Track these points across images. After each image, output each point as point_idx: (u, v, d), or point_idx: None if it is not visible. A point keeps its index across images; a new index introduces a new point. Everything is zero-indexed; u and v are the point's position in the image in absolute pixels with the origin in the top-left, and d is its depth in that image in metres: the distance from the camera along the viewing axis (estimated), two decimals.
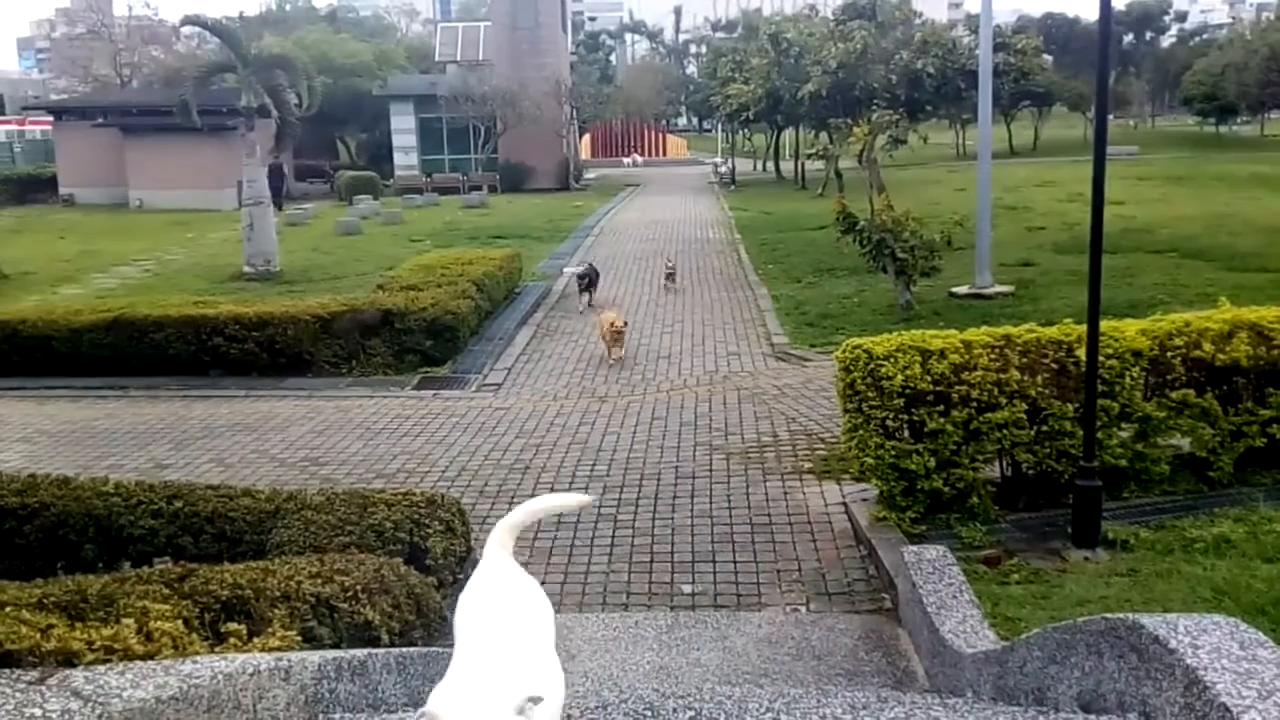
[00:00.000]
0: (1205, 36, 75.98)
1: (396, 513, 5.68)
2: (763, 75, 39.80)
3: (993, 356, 7.51)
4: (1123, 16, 65.20)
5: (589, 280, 18.42)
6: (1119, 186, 27.31)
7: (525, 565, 7.62)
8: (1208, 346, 7.72)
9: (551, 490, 9.31)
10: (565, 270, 22.93)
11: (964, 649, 4.94)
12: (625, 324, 14.48)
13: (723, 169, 50.94)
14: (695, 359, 14.52)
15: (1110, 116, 7.40)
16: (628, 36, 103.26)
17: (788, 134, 50.80)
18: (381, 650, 3.92)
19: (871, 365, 7.42)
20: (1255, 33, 61.19)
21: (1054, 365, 7.58)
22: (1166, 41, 76.23)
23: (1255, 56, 53.44)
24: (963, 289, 17.10)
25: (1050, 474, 7.64)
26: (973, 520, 7.50)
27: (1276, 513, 7.21)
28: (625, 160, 65.51)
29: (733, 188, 45.48)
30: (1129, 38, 69.15)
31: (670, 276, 20.30)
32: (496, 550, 2.93)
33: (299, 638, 3.75)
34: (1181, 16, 78.41)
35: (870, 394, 7.42)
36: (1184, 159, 45.54)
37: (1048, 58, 51.77)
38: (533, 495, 9.16)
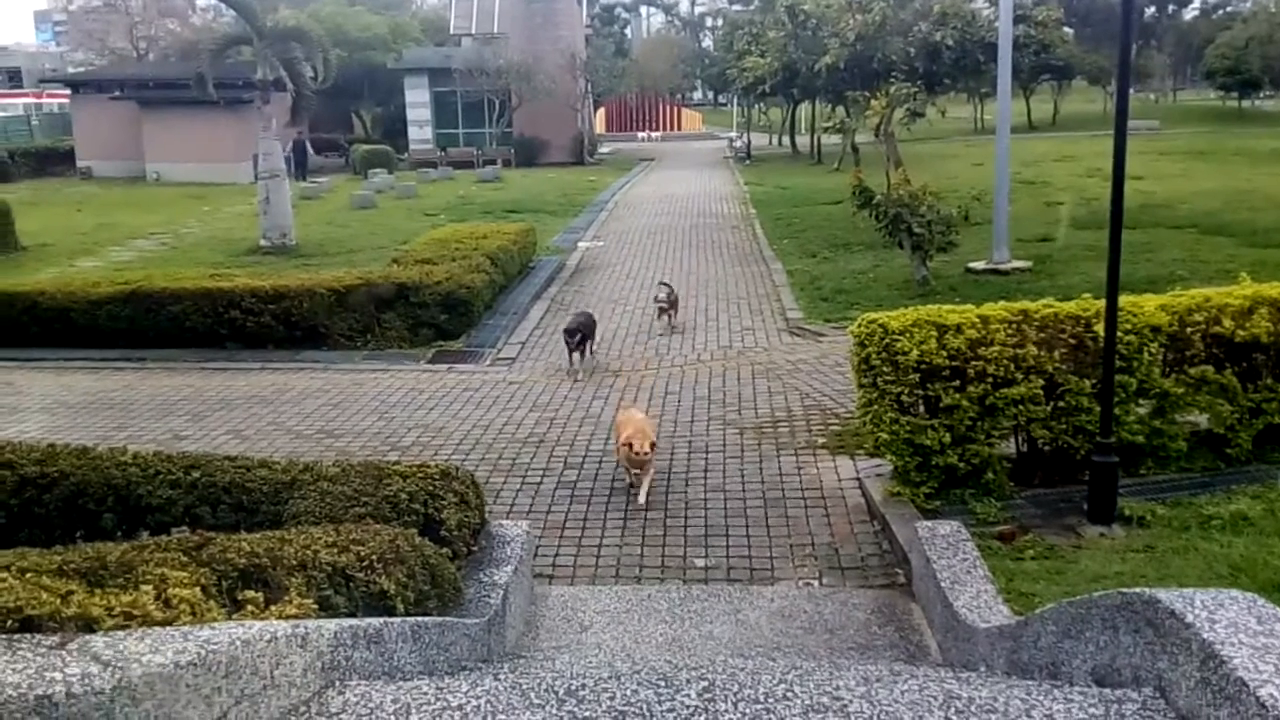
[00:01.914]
0: (1229, 9, 75.01)
1: (411, 484, 5.69)
2: (779, 48, 39.47)
3: (1010, 332, 7.47)
4: None
5: (581, 335, 12.63)
6: (1139, 161, 27.09)
7: (539, 540, 7.68)
8: (1227, 322, 7.67)
9: (564, 464, 9.34)
10: (580, 245, 22.93)
11: (978, 624, 4.94)
12: (654, 444, 8.37)
13: (738, 143, 50.71)
14: (709, 334, 14.49)
15: (1131, 90, 7.31)
16: (643, 9, 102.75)
17: (804, 108, 50.44)
18: (397, 619, 3.94)
19: (887, 340, 7.40)
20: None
21: (1071, 340, 7.54)
22: (1189, 14, 75.44)
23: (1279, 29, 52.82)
24: (980, 265, 17.00)
25: (1066, 450, 7.61)
26: (987, 496, 7.49)
27: None
28: (639, 135, 65.26)
29: (748, 162, 45.28)
30: (1151, 10, 68.44)
31: (665, 311, 14.66)
32: None
33: (315, 606, 3.77)
34: None
35: (885, 369, 7.39)
36: (1205, 134, 45.13)
37: (1068, 30, 51.16)
38: (546, 469, 9.22)
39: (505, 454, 9.72)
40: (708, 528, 7.87)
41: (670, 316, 14.59)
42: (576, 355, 12.67)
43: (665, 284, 14.88)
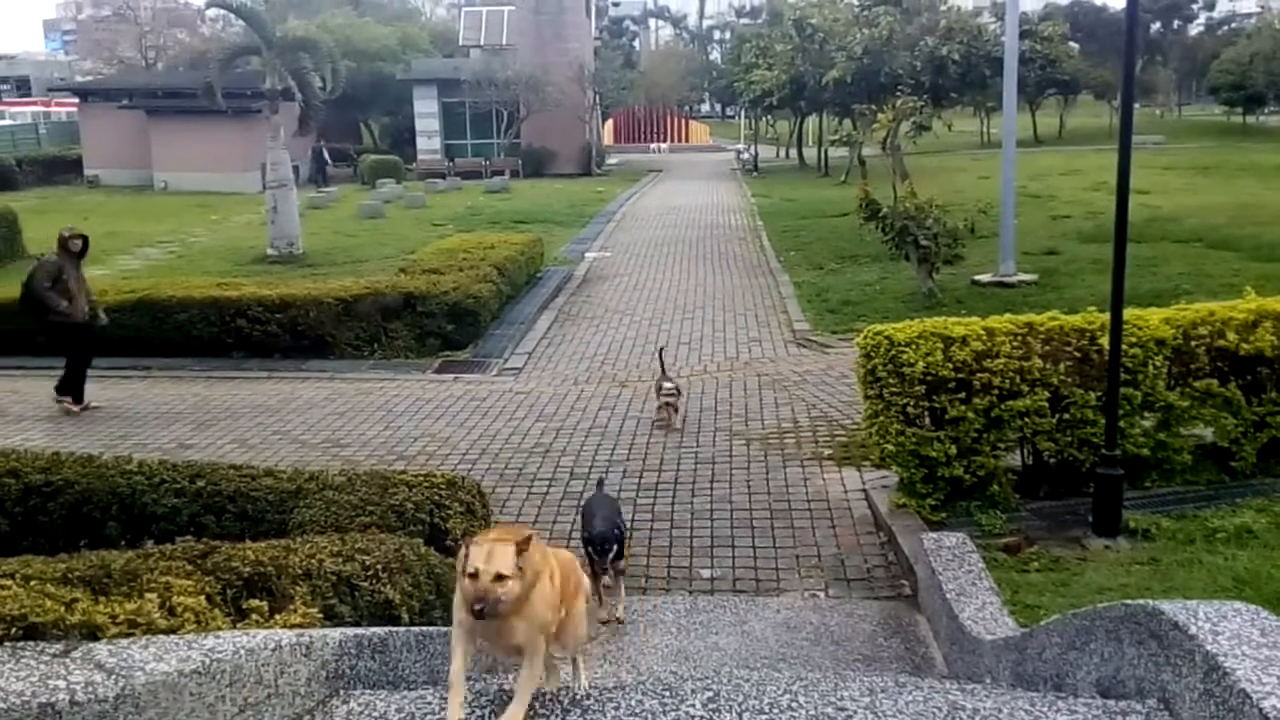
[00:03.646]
0: (1233, 25, 75.03)
1: (417, 494, 5.71)
2: (787, 61, 39.63)
3: (1015, 344, 7.48)
4: (1150, 4, 64.39)
5: (618, 547, 6.72)
6: (1144, 175, 27.04)
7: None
8: (1232, 336, 7.66)
9: (570, 474, 9.34)
10: (587, 255, 22.95)
11: (983, 635, 4.94)
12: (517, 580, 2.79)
13: (745, 155, 50.76)
14: (716, 345, 14.50)
15: (1136, 105, 7.34)
16: (651, 22, 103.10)
17: (811, 120, 50.56)
18: (402, 629, 3.95)
19: (893, 352, 7.40)
20: None
21: (1077, 353, 7.54)
22: (1194, 30, 75.38)
23: None
24: (986, 277, 17.00)
25: (1072, 462, 7.61)
26: (993, 508, 7.48)
27: None
28: (652, 147, 65.41)
29: (755, 174, 45.33)
30: (1156, 26, 68.35)
31: (667, 405, 10.70)
32: None
33: (320, 615, 3.78)
34: (1210, 5, 77.46)
35: (891, 380, 7.40)
36: (1210, 148, 45.05)
37: (1074, 45, 51.24)
38: (552, 479, 9.22)
39: (511, 464, 9.72)
40: (714, 538, 7.86)
41: (672, 414, 10.74)
42: (607, 579, 6.64)
43: (669, 381, 10.88)
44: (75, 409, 11.90)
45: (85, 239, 12.26)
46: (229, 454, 9.97)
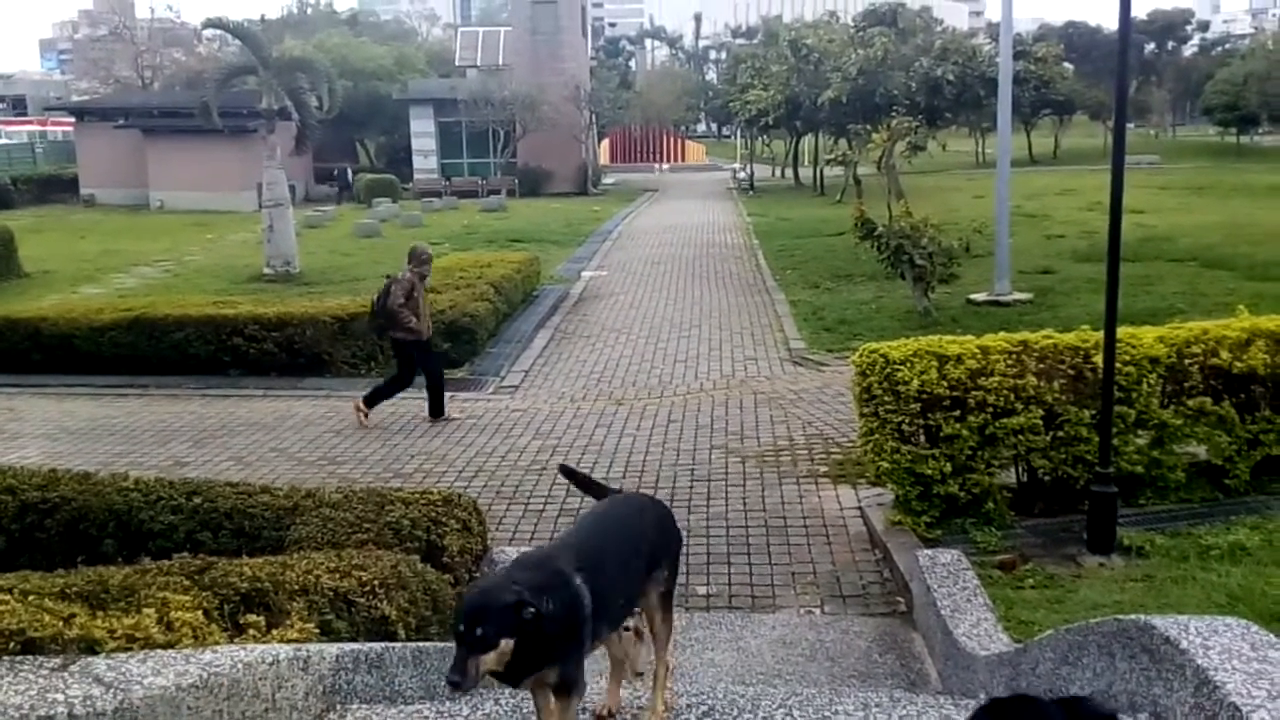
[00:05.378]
0: (1227, 46, 75.68)
1: (414, 511, 5.71)
2: (782, 81, 39.88)
3: (1010, 362, 7.51)
4: (1145, 25, 64.94)
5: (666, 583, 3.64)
6: (1139, 195, 27.20)
7: None
8: (1225, 354, 7.70)
9: (566, 491, 9.34)
10: (584, 274, 23.00)
11: (977, 651, 4.95)
12: None
13: (741, 175, 50.96)
14: (712, 363, 14.52)
15: (1131, 125, 7.41)
16: (647, 42, 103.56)
17: (807, 140, 50.78)
18: (398, 644, 3.96)
19: (888, 370, 7.43)
20: (1277, 43, 60.87)
21: (1071, 371, 7.58)
22: (1188, 51, 75.96)
23: (1277, 67, 53.18)
24: (981, 296, 17.06)
25: (1066, 480, 7.63)
26: (988, 525, 7.50)
27: None
28: (656, 167, 65.65)
29: (751, 193, 45.46)
30: (1151, 47, 68.90)
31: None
32: None
33: (317, 630, 3.78)
34: (1204, 26, 78.21)
35: (886, 398, 7.42)
36: (1205, 168, 45.32)
37: (1069, 66, 51.62)
38: (548, 496, 9.22)
39: (508, 481, 9.73)
40: (710, 555, 7.87)
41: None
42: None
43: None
44: (438, 420, 11.99)
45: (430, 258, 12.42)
46: (225, 471, 9.97)
